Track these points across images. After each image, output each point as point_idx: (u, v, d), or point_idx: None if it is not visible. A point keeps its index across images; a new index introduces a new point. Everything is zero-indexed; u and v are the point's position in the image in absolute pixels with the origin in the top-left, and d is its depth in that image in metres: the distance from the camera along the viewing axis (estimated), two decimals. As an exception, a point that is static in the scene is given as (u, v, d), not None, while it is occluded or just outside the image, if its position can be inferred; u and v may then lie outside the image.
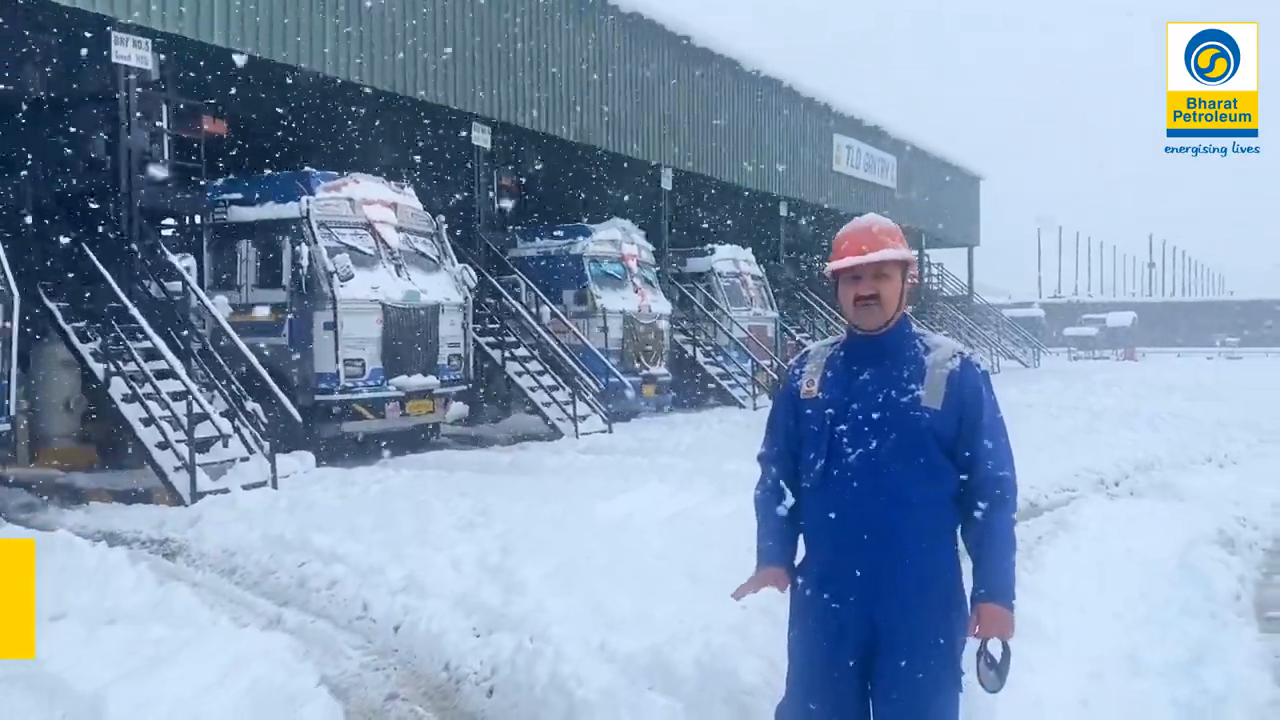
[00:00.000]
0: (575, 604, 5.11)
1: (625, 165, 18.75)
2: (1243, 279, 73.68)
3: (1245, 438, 12.31)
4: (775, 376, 19.25)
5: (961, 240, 35.65)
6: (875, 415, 2.70)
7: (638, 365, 15.83)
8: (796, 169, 23.76)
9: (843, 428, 2.73)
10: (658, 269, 17.65)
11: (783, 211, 23.46)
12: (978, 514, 2.67)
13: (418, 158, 15.92)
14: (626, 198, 19.83)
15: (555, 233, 16.41)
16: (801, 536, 2.92)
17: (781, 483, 2.92)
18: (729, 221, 24.22)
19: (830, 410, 2.76)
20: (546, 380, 13.95)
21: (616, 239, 16.31)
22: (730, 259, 19.99)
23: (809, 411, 2.82)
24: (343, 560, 6.21)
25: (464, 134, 14.66)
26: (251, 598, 6.06)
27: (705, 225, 24.00)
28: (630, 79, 17.80)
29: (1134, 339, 45.51)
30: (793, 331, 22.15)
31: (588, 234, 16.01)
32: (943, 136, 33.92)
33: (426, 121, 14.93)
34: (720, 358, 18.63)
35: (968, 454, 2.68)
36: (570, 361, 13.96)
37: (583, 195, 20.67)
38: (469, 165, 14.91)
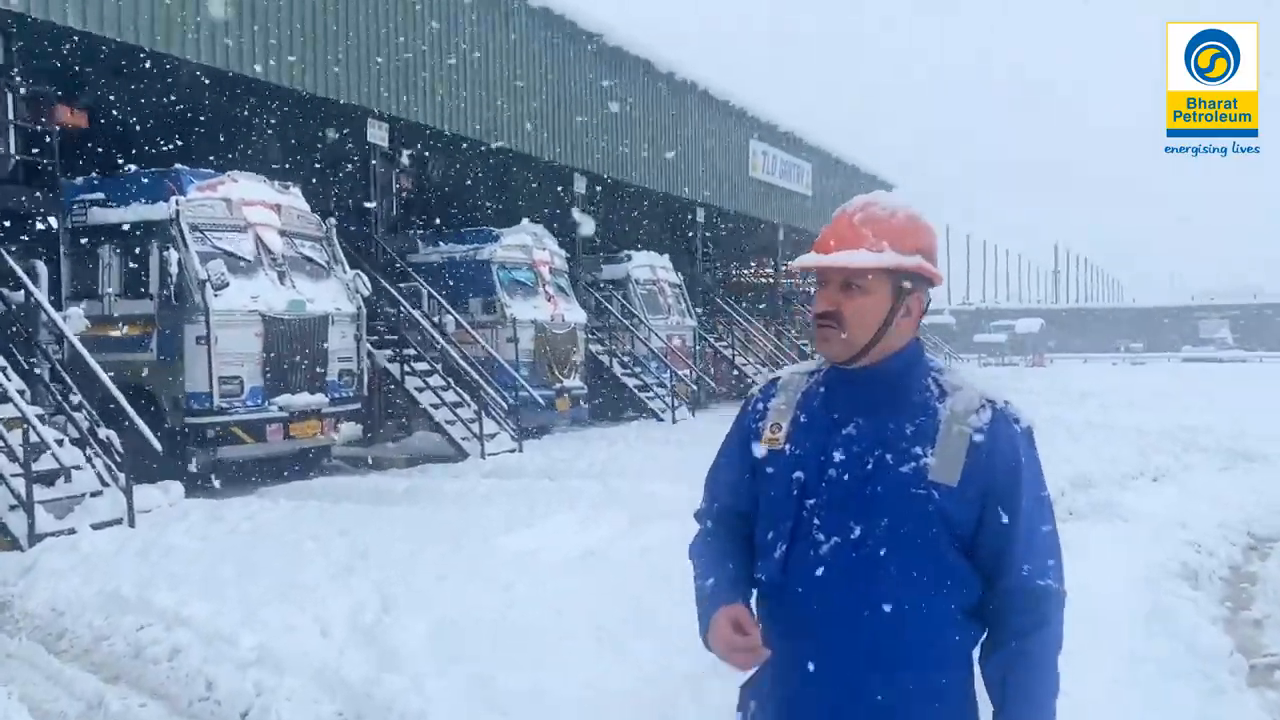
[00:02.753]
0: (458, 680, 4.28)
1: (536, 168, 17.90)
2: (1139, 287, 76.03)
3: (1169, 448, 12.01)
4: (694, 388, 18.62)
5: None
6: (861, 488, 1.81)
7: (551, 378, 14.97)
8: (713, 174, 23.17)
9: (813, 501, 1.84)
10: (571, 276, 16.83)
11: (699, 217, 22.85)
12: (1005, 641, 1.80)
13: (308, 156, 14.83)
14: (538, 201, 18.97)
15: (460, 237, 15.45)
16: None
17: (730, 544, 1.99)
18: (644, 227, 23.54)
19: (799, 474, 1.86)
20: (450, 396, 13.01)
21: (527, 244, 15.41)
22: (647, 265, 19.28)
23: (770, 470, 1.91)
24: (188, 624, 5.26)
25: (359, 131, 13.63)
26: (74, 672, 5.05)
27: (621, 230, 23.28)
28: (540, 77, 16.95)
29: (1042, 345, 46.26)
30: (711, 341, 21.56)
31: (496, 238, 15.08)
32: (853, 144, 33.77)
33: (318, 117, 13.86)
34: (638, 369, 17.89)
35: (995, 553, 1.80)
36: (476, 375, 13.04)
37: (491, 199, 19.72)
38: (365, 165, 13.88)
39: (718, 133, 23.30)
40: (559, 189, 18.52)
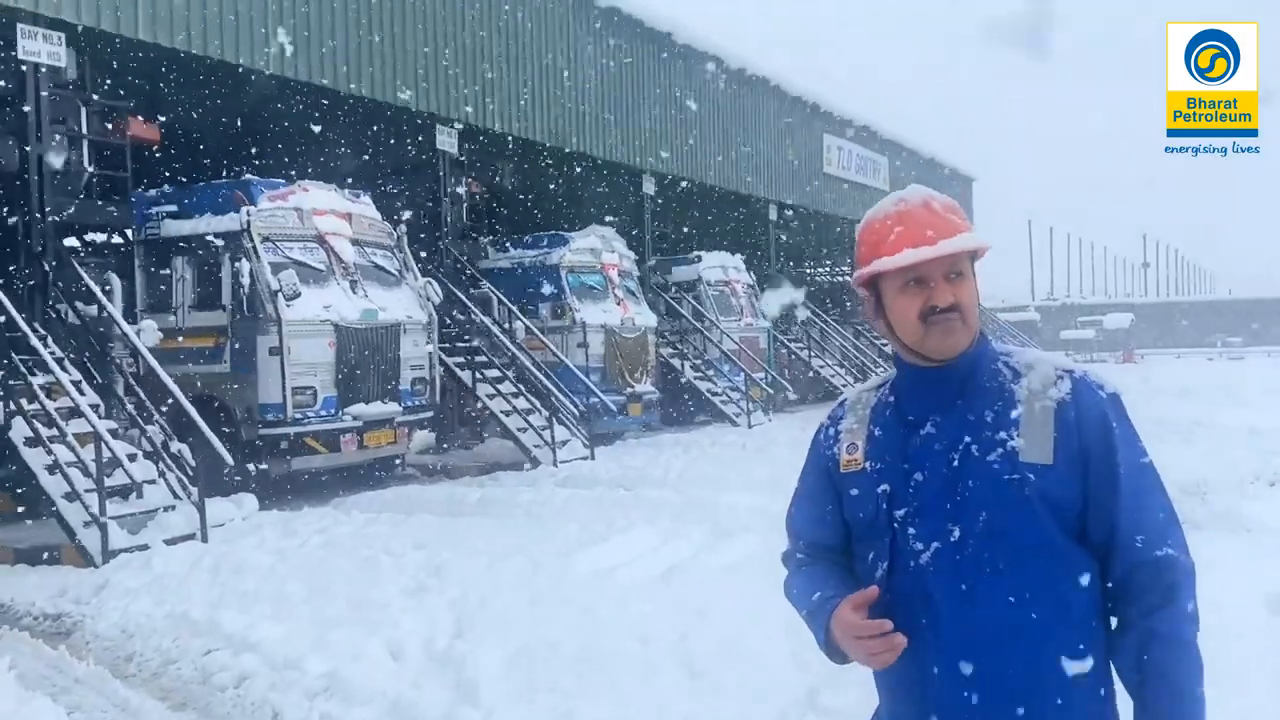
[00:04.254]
0: (538, 714, 3.99)
1: (604, 170, 17.65)
2: (1232, 279, 73.11)
3: (1288, 449, 11.22)
4: (769, 390, 18.18)
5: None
6: (951, 487, 1.68)
7: (621, 382, 14.68)
8: (785, 171, 22.70)
9: (903, 512, 1.71)
10: (641, 279, 16.53)
11: (772, 215, 22.38)
12: (1133, 621, 1.62)
13: (378, 164, 14.78)
14: (607, 205, 18.73)
15: (529, 242, 15.26)
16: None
17: (827, 569, 1.83)
18: (716, 227, 23.15)
19: (884, 487, 1.73)
20: (521, 403, 12.80)
21: (596, 248, 15.16)
22: (718, 266, 18.89)
23: (855, 493, 1.78)
24: (255, 649, 5.05)
25: (429, 138, 13.51)
26: (140, 700, 4.87)
27: (691, 231, 22.94)
28: (608, 77, 16.70)
29: (1132, 341, 44.59)
30: (786, 342, 21.08)
31: (565, 243, 14.86)
32: (933, 137, 33.00)
33: (387, 125, 13.78)
34: (710, 372, 17.51)
35: (1105, 528, 1.64)
36: (547, 381, 12.81)
37: (560, 203, 19.54)
38: (435, 172, 13.76)
39: (790, 128, 22.83)
40: (629, 191, 18.25)
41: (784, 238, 23.98)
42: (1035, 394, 1.67)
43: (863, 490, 1.76)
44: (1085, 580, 1.64)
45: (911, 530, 1.69)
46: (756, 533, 6.85)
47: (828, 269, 30.60)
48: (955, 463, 1.67)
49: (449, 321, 12.82)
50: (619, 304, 15.11)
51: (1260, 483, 9.60)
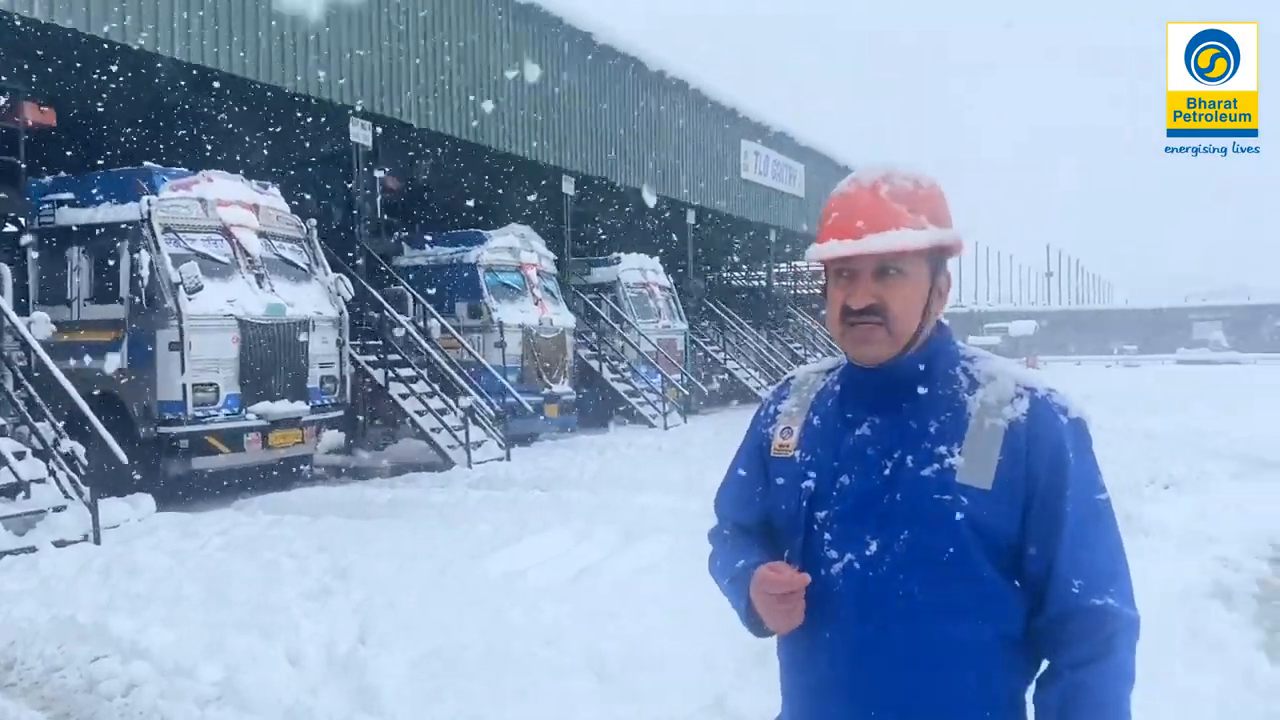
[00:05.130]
0: (441, 723, 3.86)
1: (524, 169, 17.47)
2: (1131, 289, 75.99)
3: (1183, 454, 11.66)
4: (686, 393, 18.22)
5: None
6: (878, 496, 1.54)
7: (539, 383, 14.55)
8: (704, 175, 22.79)
9: (824, 514, 1.57)
10: (559, 279, 16.41)
11: (690, 219, 22.45)
12: (1060, 672, 1.48)
13: (290, 156, 14.38)
14: (526, 204, 18.55)
15: (446, 240, 15.03)
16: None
17: (751, 540, 1.72)
18: (635, 229, 23.13)
19: (809, 484, 1.60)
20: (436, 403, 12.57)
21: (515, 246, 15.00)
22: (637, 268, 18.89)
23: (780, 481, 1.66)
24: (145, 655, 4.81)
25: (342, 130, 13.19)
26: (19, 710, 4.60)
27: (608, 233, 22.90)
28: (528, 75, 16.53)
29: (1036, 347, 46.00)
30: (703, 345, 21.18)
31: (482, 241, 14.66)
32: (846, 145, 33.47)
33: (299, 116, 13.41)
34: (628, 373, 17.48)
35: (1041, 566, 1.50)
36: (463, 381, 12.61)
37: (479, 201, 19.28)
38: (348, 165, 13.43)
39: (709, 133, 22.92)
40: (548, 190, 18.10)
41: (701, 241, 24.07)
42: (988, 409, 1.52)
43: (788, 481, 1.63)
44: (1008, 619, 1.50)
45: (828, 536, 1.56)
46: (670, 534, 6.82)
47: (744, 273, 30.85)
48: (887, 471, 1.54)
49: (362, 319, 12.53)
50: (537, 304, 14.97)
51: (1155, 486, 9.96)
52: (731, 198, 24.10)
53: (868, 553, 1.52)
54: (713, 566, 1.75)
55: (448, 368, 12.75)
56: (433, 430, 12.22)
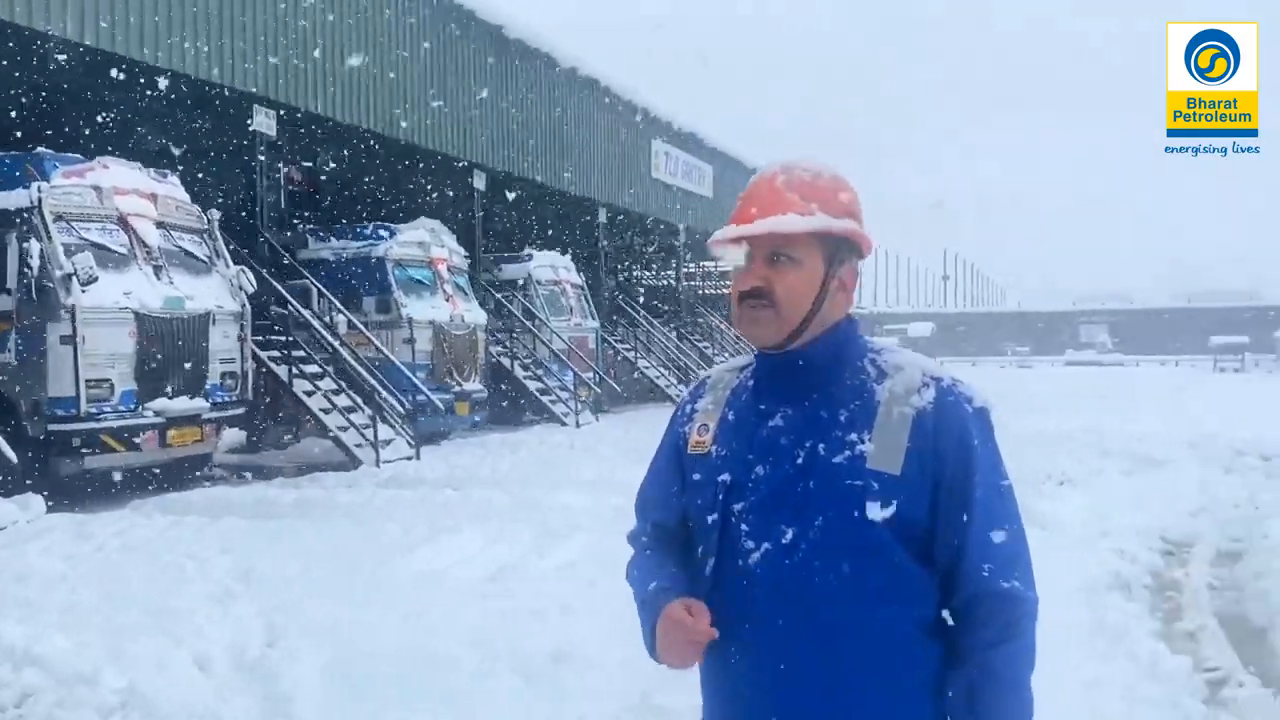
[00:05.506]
0: (360, 726, 3.76)
1: (434, 163, 17.21)
2: (1020, 292, 78.85)
3: (1075, 451, 12.11)
4: (598, 390, 18.20)
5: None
6: (792, 485, 1.57)
7: (449, 381, 14.33)
8: (615, 174, 22.79)
9: (740, 505, 1.60)
10: (470, 275, 16.21)
11: (601, 218, 22.43)
12: (967, 655, 1.53)
13: (191, 145, 13.88)
14: (437, 199, 18.27)
15: (354, 233, 14.67)
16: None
17: (669, 554, 1.72)
18: (546, 227, 23.02)
19: (725, 477, 1.62)
20: (342, 400, 12.27)
21: (425, 241, 14.73)
22: (549, 266, 18.79)
23: (697, 477, 1.67)
24: (40, 663, 4.57)
25: (245, 119, 12.78)
26: (-101, 725, 4.34)
27: (520, 230, 22.72)
28: (439, 68, 16.29)
29: (933, 349, 47.34)
30: (614, 343, 21.20)
31: (392, 234, 14.36)
32: (752, 147, 33.87)
33: (200, 104, 12.96)
34: (540, 371, 17.37)
35: (951, 552, 1.54)
36: (370, 378, 12.35)
37: (388, 195, 18.94)
38: (251, 155, 13.02)
39: (620, 132, 22.94)
40: (460, 186, 17.87)
41: (612, 240, 24.08)
42: (896, 398, 1.56)
43: (704, 476, 1.65)
44: (923, 603, 1.55)
45: (745, 527, 1.58)
46: (588, 532, 6.81)
47: (655, 271, 30.99)
48: (800, 460, 1.57)
49: (265, 313, 12.16)
50: (448, 300, 14.75)
51: (1051, 482, 10.32)
52: (642, 197, 24.17)
53: (784, 541, 1.55)
54: (630, 575, 1.75)
55: (355, 364, 12.47)
56: (339, 429, 11.93)
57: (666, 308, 26.59)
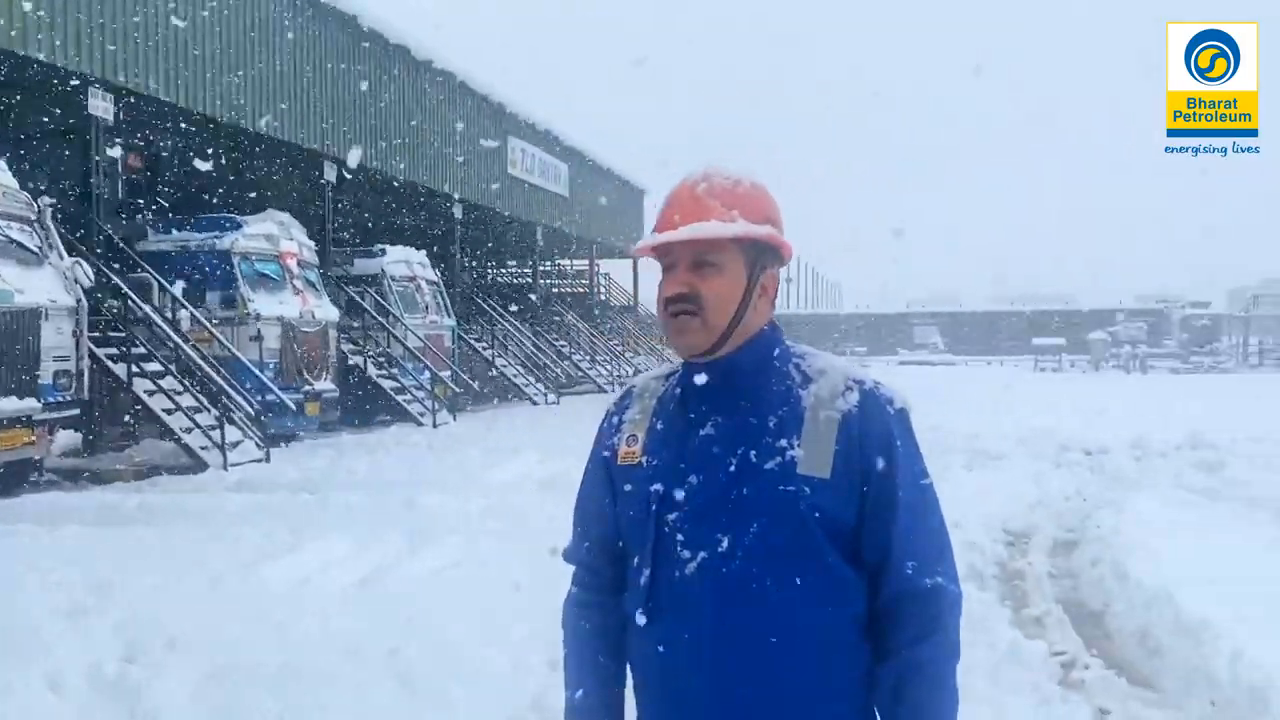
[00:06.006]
0: (238, 744, 3.61)
1: (283, 152, 16.60)
2: (857, 295, 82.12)
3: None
4: (455, 389, 17.94)
5: (627, 252, 36.10)
6: (725, 493, 1.59)
7: (299, 379, 13.85)
8: (471, 169, 22.51)
9: (674, 516, 1.61)
10: (321, 270, 15.70)
11: (457, 214, 22.12)
12: (893, 650, 1.58)
13: (20, 128, 12.96)
14: (286, 191, 17.63)
15: (197, 224, 13.98)
16: (631, 688, 1.74)
17: (604, 597, 1.74)
18: (400, 222, 22.52)
19: (657, 487, 1.63)
20: (186, 400, 11.69)
21: (273, 234, 14.17)
22: (403, 261, 18.39)
23: (628, 489, 1.68)
24: None
25: (79, 102, 12.00)
26: None
27: (373, 225, 22.15)
28: (288, 54, 15.70)
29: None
30: (471, 341, 20.94)
31: (238, 226, 13.75)
32: (608, 148, 34.02)
33: (29, 85, 12.10)
34: (395, 370, 16.99)
35: (878, 550, 1.58)
36: (216, 377, 11.80)
37: (234, 185, 18.12)
38: (86, 140, 12.24)
39: (477, 127, 22.66)
40: (309, 177, 17.29)
41: (468, 236, 23.76)
42: (822, 402, 1.60)
43: (636, 487, 1.65)
44: (856, 602, 1.58)
45: (680, 537, 1.59)
46: (460, 535, 6.73)
47: (511, 268, 30.79)
48: (732, 468, 1.59)
49: (102, 308, 11.46)
50: (297, 295, 14.25)
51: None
52: (498, 193, 23.96)
53: (720, 549, 1.57)
54: (565, 624, 1.79)
55: (200, 362, 11.89)
56: (184, 430, 11.37)
57: (523, 306, 26.47)
